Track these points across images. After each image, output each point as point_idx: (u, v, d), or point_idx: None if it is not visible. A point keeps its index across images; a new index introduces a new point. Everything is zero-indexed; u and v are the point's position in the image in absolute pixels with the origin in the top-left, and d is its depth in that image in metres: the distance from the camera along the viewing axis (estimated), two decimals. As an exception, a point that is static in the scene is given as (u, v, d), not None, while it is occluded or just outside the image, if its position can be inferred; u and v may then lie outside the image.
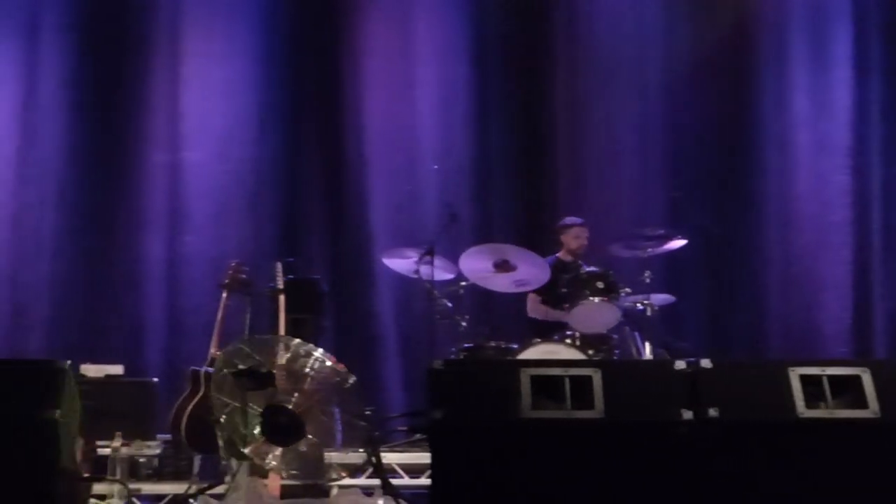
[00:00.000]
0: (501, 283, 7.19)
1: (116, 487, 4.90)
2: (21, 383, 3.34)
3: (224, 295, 6.86)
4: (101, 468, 5.72)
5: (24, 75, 8.39)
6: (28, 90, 8.37)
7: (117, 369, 7.09)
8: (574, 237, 7.66)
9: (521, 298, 7.62)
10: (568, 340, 6.87)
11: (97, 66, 8.43)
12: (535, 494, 3.43)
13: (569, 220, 7.76)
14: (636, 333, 7.28)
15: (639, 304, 7.25)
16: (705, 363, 3.65)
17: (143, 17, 8.52)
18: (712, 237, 8.09)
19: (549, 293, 7.38)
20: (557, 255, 7.65)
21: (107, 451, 6.05)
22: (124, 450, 6.08)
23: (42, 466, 3.24)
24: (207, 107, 8.48)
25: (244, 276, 6.95)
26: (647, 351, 7.15)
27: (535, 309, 7.54)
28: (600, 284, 7.01)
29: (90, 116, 8.40)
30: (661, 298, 7.43)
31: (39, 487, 3.24)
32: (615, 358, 6.93)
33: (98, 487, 5.16)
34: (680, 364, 3.69)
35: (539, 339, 6.86)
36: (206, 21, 8.60)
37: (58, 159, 8.32)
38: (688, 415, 3.51)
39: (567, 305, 7.06)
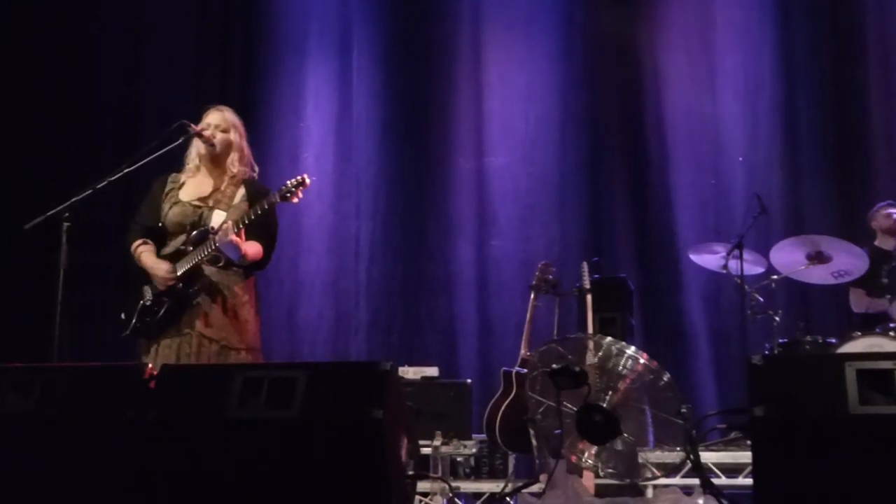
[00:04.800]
0: (818, 275, 6.93)
1: (439, 485, 5.04)
2: (348, 385, 3.47)
3: (532, 296, 6.96)
4: (423, 466, 5.92)
5: (338, 93, 8.85)
6: (342, 107, 8.81)
7: (433, 371, 7.30)
8: (885, 216, 7.32)
9: (838, 291, 7.31)
10: (892, 333, 6.50)
11: (404, 80, 8.77)
12: (866, 494, 3.27)
13: (879, 204, 7.43)
14: (969, 324, 6.82)
15: (970, 293, 6.78)
16: None
17: (446, 30, 8.78)
18: None
19: (869, 284, 7.05)
20: (874, 243, 7.31)
21: (428, 450, 6.26)
22: (444, 449, 6.26)
23: (370, 464, 3.35)
24: (510, 111, 8.62)
25: (552, 276, 7.02)
26: (984, 343, 6.67)
27: (858, 302, 7.21)
28: (926, 273, 6.64)
29: (399, 128, 8.73)
30: None
31: (369, 484, 3.35)
32: (947, 351, 6.53)
33: (421, 485, 5.33)
34: None
35: (860, 333, 6.55)
36: (506, 28, 8.74)
37: (371, 171, 8.69)
38: None
39: (889, 296, 6.74)
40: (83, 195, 4.76)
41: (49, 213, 4.72)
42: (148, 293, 4.85)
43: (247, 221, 4.70)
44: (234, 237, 4.65)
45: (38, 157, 8.56)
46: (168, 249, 4.88)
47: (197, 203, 4.90)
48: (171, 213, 4.90)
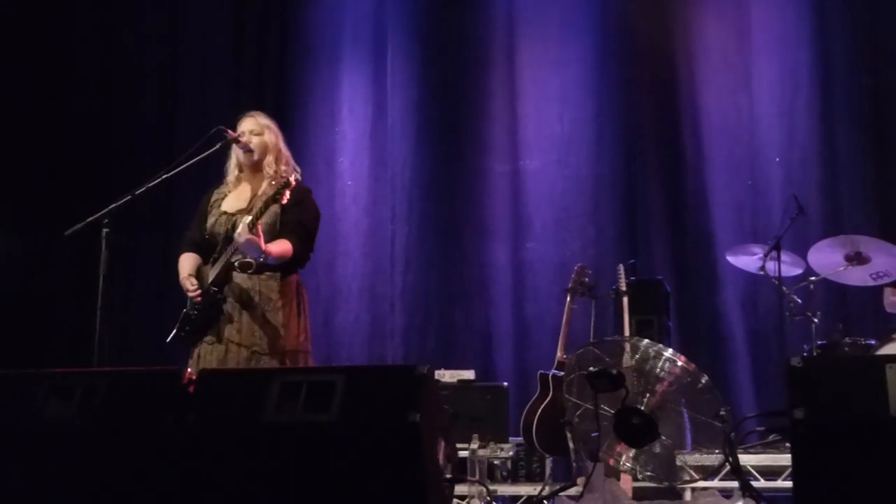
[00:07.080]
0: (856, 277, 6.87)
1: (476, 488, 5.04)
2: (385, 388, 3.48)
3: (568, 299, 6.96)
4: (460, 470, 5.92)
5: (373, 98, 8.87)
6: (377, 112, 8.82)
7: (469, 374, 7.31)
8: None
9: (877, 292, 7.23)
10: (933, 334, 6.45)
11: (438, 84, 8.76)
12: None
13: None
14: None
15: None
16: None
17: (480, 34, 8.75)
18: None
19: (905, 285, 6.99)
20: (913, 243, 7.24)
21: (465, 453, 6.26)
22: (481, 452, 6.26)
23: (408, 467, 3.36)
24: (544, 115, 8.58)
25: (588, 279, 7.02)
26: None
27: (893, 304, 7.15)
28: (967, 273, 6.56)
29: (434, 132, 8.71)
30: None
31: (407, 488, 3.36)
32: None
33: (459, 489, 5.33)
34: None
35: (899, 335, 6.50)
36: (540, 31, 8.71)
37: (406, 175, 8.68)
38: None
39: None
40: (122, 201, 4.81)
41: (89, 220, 4.76)
42: (189, 302, 4.94)
43: (259, 219, 4.71)
44: (250, 236, 4.67)
45: (77, 164, 8.64)
46: (213, 259, 4.97)
47: (233, 212, 4.96)
48: (212, 224, 4.98)
